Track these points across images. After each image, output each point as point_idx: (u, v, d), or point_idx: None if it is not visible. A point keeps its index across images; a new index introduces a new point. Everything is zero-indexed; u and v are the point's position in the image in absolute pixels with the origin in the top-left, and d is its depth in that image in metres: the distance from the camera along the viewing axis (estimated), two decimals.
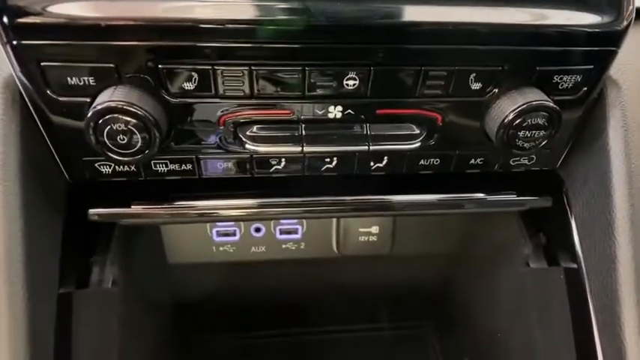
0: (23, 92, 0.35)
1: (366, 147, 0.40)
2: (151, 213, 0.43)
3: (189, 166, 0.41)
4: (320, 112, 0.39)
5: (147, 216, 0.43)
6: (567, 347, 0.46)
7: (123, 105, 0.33)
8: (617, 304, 0.41)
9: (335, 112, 0.39)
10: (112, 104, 0.33)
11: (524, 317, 0.50)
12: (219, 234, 0.61)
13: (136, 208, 0.43)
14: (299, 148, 0.40)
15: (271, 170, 0.42)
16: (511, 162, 0.45)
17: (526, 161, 0.46)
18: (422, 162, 0.43)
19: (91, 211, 0.42)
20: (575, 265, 0.47)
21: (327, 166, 0.42)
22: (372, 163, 0.43)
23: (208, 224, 0.60)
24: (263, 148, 0.40)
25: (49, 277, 0.40)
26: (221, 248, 0.62)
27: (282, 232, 0.61)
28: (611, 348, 0.42)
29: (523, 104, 0.37)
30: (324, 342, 0.73)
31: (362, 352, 0.73)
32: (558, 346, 0.47)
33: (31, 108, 0.36)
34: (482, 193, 0.48)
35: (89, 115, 0.34)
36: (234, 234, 0.62)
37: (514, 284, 0.52)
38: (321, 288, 0.70)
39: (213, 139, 0.39)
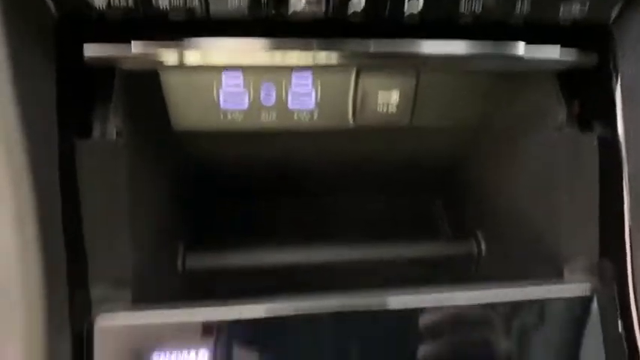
0: None
1: None
2: (154, 53, 0.39)
3: (195, 2, 0.35)
4: None
5: (149, 57, 0.39)
6: (593, 216, 0.45)
7: None
8: None
9: None
10: None
11: (549, 187, 0.48)
12: (226, 101, 0.57)
13: (136, 49, 0.38)
14: None
15: (290, 12, 0.37)
16: (560, 12, 0.40)
17: (577, 11, 0.40)
18: (462, 9, 0.38)
19: (87, 52, 0.38)
20: (612, 133, 0.44)
21: (355, 10, 0.37)
22: (406, 7, 0.37)
23: (215, 88, 0.55)
24: None
25: (47, 127, 0.36)
26: (229, 116, 0.58)
27: (294, 98, 0.57)
28: None
29: None
30: (332, 214, 0.73)
31: (368, 227, 0.72)
32: (584, 215, 0.45)
33: None
34: (522, 45, 0.43)
35: None
36: (242, 101, 0.57)
37: (542, 152, 0.49)
38: (333, 160, 0.68)
39: None
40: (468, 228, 0.67)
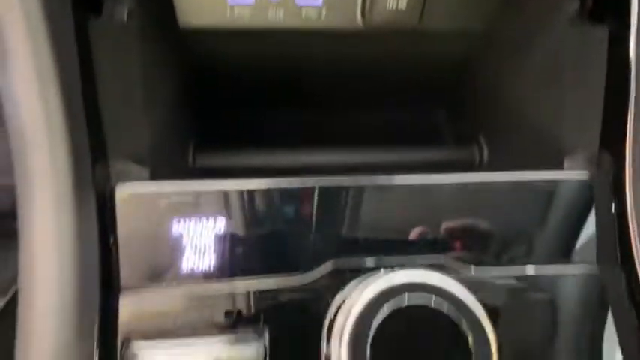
0: None
1: None
2: None
3: None
4: None
5: None
6: (596, 110, 0.46)
7: None
8: None
9: None
10: None
11: (554, 81, 0.49)
12: None
13: None
14: None
15: None
16: None
17: None
18: None
19: None
20: (624, 28, 0.44)
21: None
22: None
23: None
24: None
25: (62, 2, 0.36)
26: (236, 12, 0.57)
27: None
28: None
29: None
30: (336, 120, 0.74)
31: (372, 133, 0.73)
32: (587, 109, 0.46)
33: None
34: None
35: None
36: None
37: (550, 48, 0.49)
38: (338, 67, 0.67)
39: None
40: (471, 134, 0.68)
